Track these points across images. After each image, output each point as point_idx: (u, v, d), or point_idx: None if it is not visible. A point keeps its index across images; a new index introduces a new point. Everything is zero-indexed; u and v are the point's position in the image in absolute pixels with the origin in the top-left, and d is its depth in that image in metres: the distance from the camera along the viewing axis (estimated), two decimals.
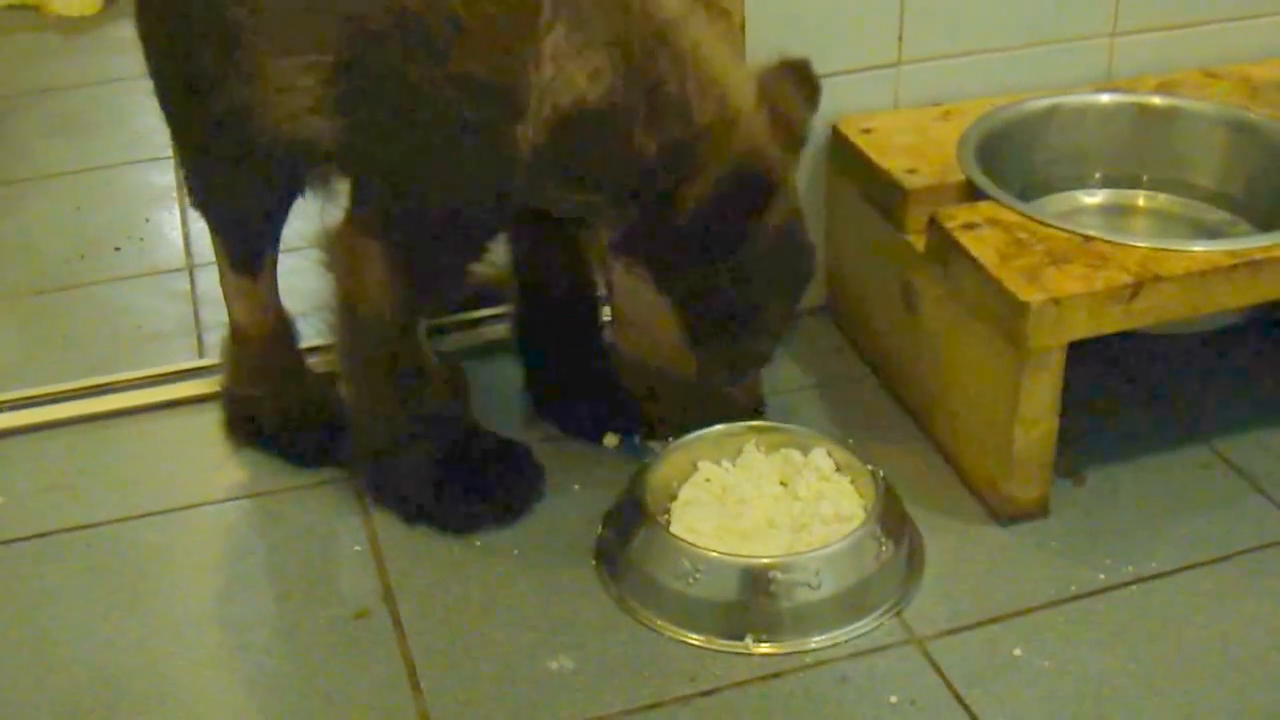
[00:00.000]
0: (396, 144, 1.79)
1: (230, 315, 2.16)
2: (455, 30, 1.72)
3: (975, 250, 1.96)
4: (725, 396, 2.05)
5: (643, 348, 1.99)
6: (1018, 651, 1.81)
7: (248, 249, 2.08)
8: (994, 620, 1.86)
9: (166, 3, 1.89)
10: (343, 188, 1.97)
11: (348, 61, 1.77)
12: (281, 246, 2.12)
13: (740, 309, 1.89)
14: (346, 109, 1.80)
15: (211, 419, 2.23)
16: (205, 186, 2.05)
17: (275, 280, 2.13)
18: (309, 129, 1.84)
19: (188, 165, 2.06)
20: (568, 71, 1.73)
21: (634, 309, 1.95)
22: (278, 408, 2.15)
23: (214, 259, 2.15)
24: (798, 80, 1.93)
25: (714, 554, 1.84)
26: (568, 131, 1.75)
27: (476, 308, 2.43)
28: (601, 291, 2.21)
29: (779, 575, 1.82)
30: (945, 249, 2.01)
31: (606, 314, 2.29)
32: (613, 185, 1.81)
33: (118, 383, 2.33)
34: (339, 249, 1.92)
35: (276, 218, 2.07)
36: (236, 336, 2.16)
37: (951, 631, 1.85)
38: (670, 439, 2.04)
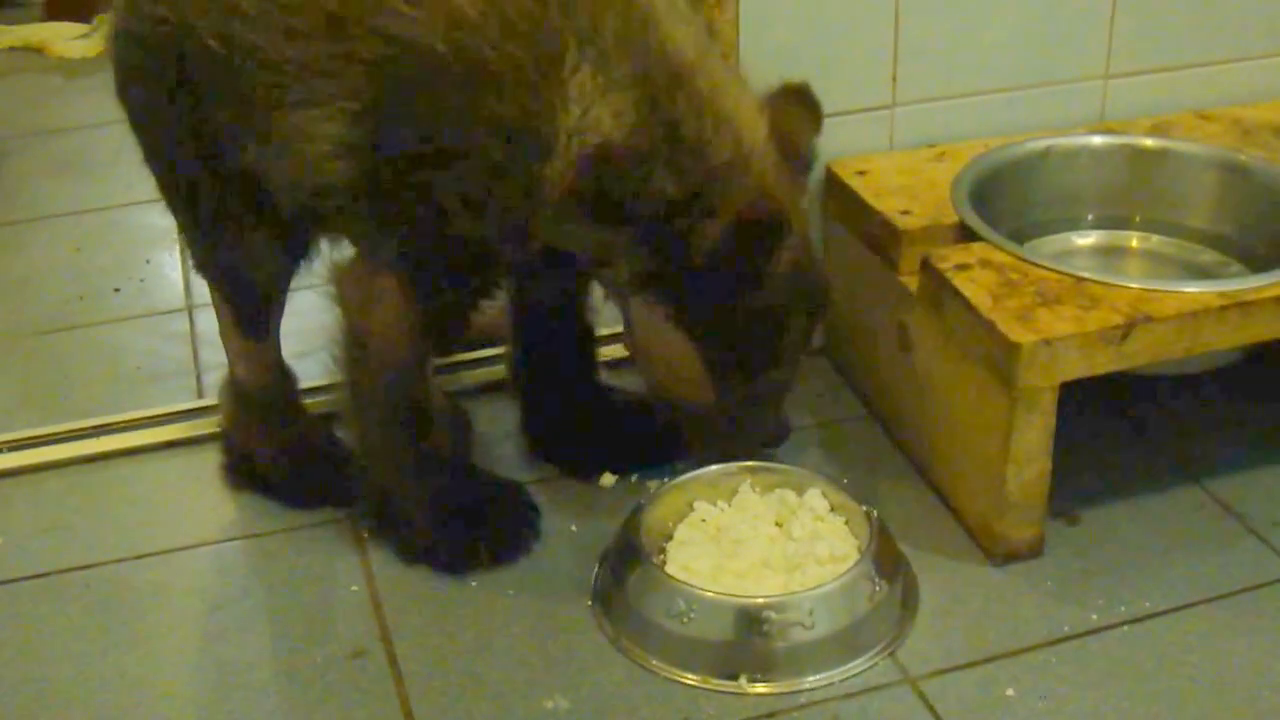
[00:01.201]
0: (422, 186, 1.80)
1: (231, 369, 2.16)
2: (483, 74, 1.73)
3: (967, 291, 1.97)
4: (748, 425, 2.05)
5: (664, 380, 1.99)
6: (1011, 692, 1.81)
7: (254, 314, 2.08)
8: (987, 660, 1.86)
9: (162, 70, 1.86)
10: (356, 235, 1.98)
11: (374, 107, 1.77)
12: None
13: (757, 342, 1.90)
14: (370, 154, 1.80)
15: (210, 459, 2.24)
16: (212, 253, 2.04)
17: (278, 337, 2.13)
18: (328, 175, 1.84)
19: (192, 233, 2.04)
20: (593, 113, 1.74)
21: (652, 344, 1.96)
22: (276, 452, 2.16)
23: (213, 306, 2.15)
24: (799, 104, 1.95)
25: (709, 594, 1.85)
26: (593, 172, 1.76)
27: (475, 348, 2.44)
28: (598, 331, 2.23)
29: (773, 615, 1.82)
30: (938, 290, 2.02)
31: (608, 352, 2.32)
32: (632, 226, 1.81)
33: (116, 423, 2.34)
34: (352, 285, 1.92)
35: (284, 282, 2.07)
36: (236, 389, 2.16)
37: (945, 671, 1.85)
38: (666, 479, 2.05)
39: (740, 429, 2.02)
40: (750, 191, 1.80)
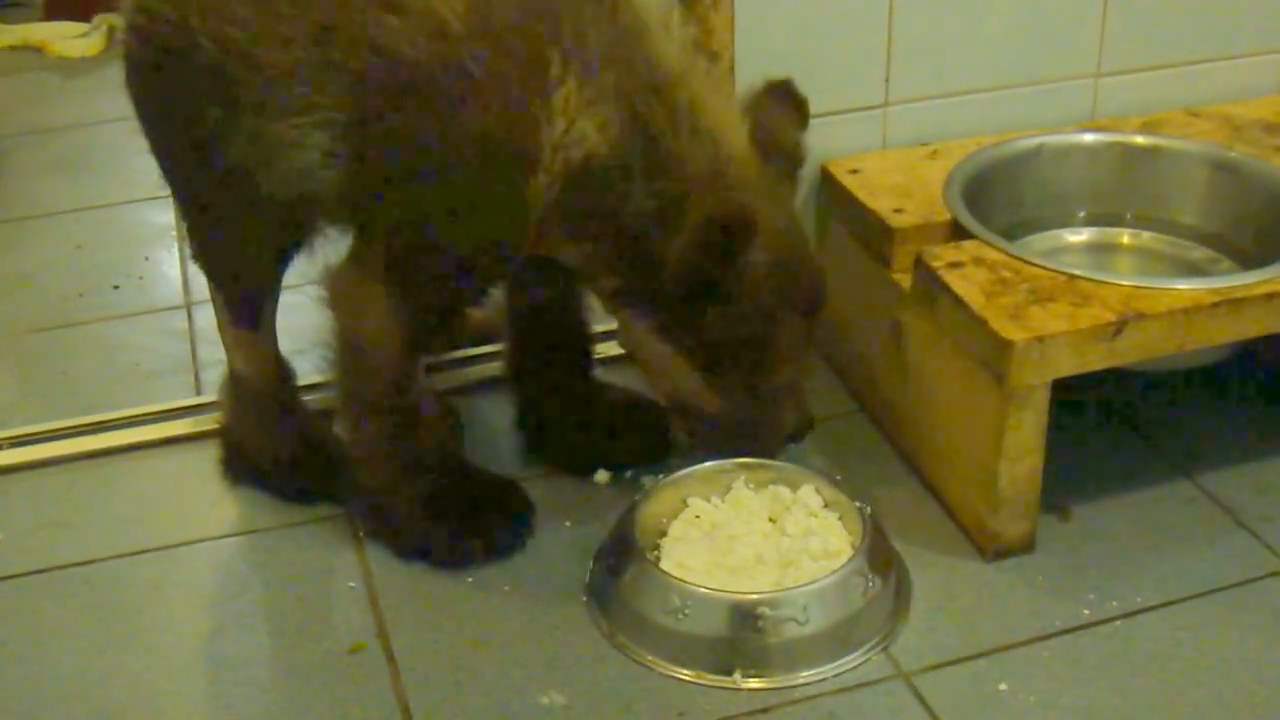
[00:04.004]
0: (409, 197, 1.81)
1: (229, 363, 2.17)
2: (469, 86, 1.74)
3: (960, 289, 1.98)
4: (762, 426, 2.04)
5: (668, 388, 2.00)
6: (1004, 686, 1.83)
7: (248, 303, 2.09)
8: (980, 655, 1.87)
9: (163, 66, 1.89)
10: (345, 234, 2.00)
11: (361, 118, 1.79)
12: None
13: (745, 348, 1.90)
14: (358, 164, 1.82)
15: (208, 456, 2.25)
16: (206, 243, 2.06)
17: (274, 330, 2.14)
18: (316, 183, 1.86)
19: (189, 223, 2.07)
20: (579, 126, 1.75)
21: (648, 354, 1.97)
22: (275, 447, 2.17)
23: (211, 302, 2.16)
24: (784, 100, 1.95)
25: (703, 590, 1.86)
26: (577, 186, 1.78)
27: (470, 346, 2.45)
28: (593, 329, 2.24)
29: (767, 611, 1.83)
30: (931, 288, 2.03)
31: (603, 349, 2.33)
32: (612, 239, 1.83)
33: (115, 420, 2.35)
34: (342, 288, 1.93)
35: (277, 273, 2.09)
36: (235, 382, 2.17)
37: (938, 666, 1.86)
38: (660, 475, 2.06)
39: (755, 430, 2.03)
40: (712, 202, 1.79)
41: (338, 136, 1.80)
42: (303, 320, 2.08)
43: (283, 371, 2.18)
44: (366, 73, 1.77)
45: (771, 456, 2.06)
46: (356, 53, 1.76)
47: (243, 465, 2.20)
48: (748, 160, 1.85)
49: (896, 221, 2.15)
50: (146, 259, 2.94)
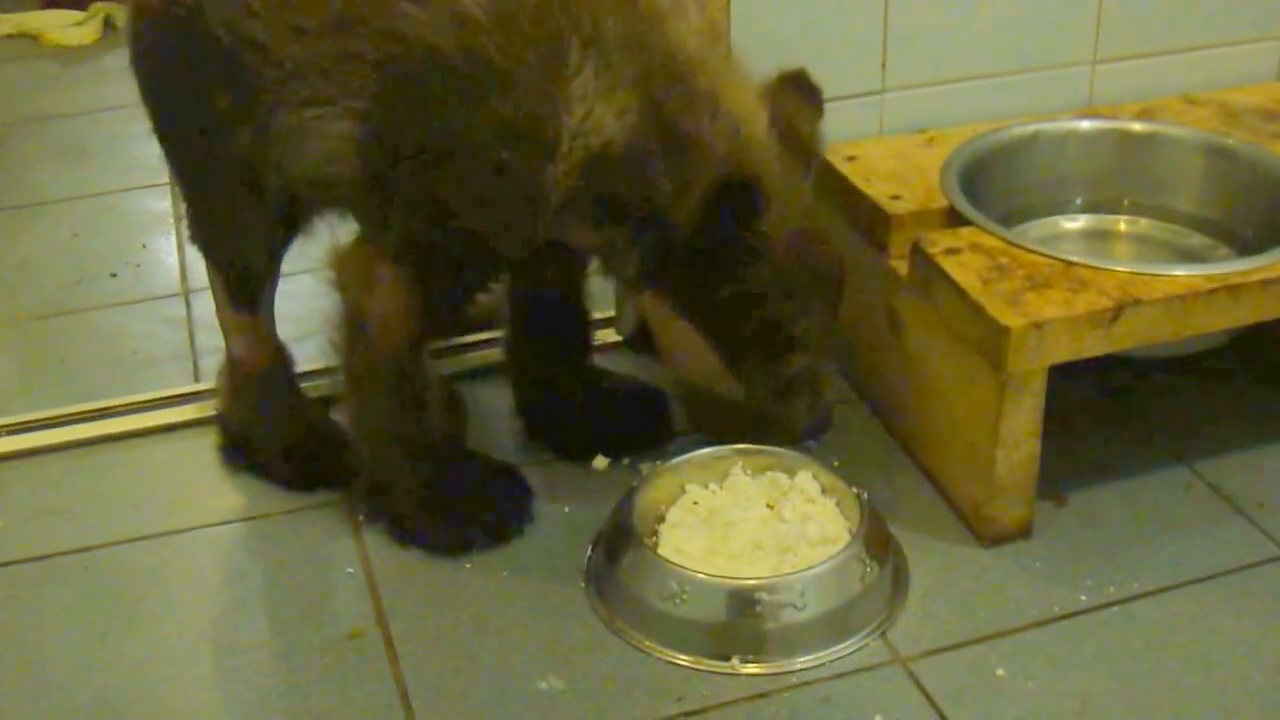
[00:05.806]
0: (427, 183, 1.81)
1: (228, 348, 2.17)
2: (488, 74, 1.74)
3: (957, 275, 1.98)
4: (779, 416, 2.04)
5: (688, 372, 2.00)
6: (1001, 672, 1.83)
7: (249, 286, 2.09)
8: (977, 641, 1.88)
9: (172, 50, 1.89)
10: (351, 218, 2.00)
11: (380, 107, 1.79)
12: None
13: (764, 328, 1.90)
14: (377, 150, 1.82)
15: (207, 443, 2.25)
16: (208, 225, 2.06)
17: (273, 314, 2.14)
18: (330, 169, 1.86)
19: (189, 204, 2.07)
20: (597, 113, 1.76)
21: (670, 337, 1.97)
22: (273, 434, 2.17)
23: (209, 288, 2.16)
24: (799, 90, 1.96)
25: (701, 575, 1.86)
26: (596, 172, 1.78)
27: (473, 331, 2.45)
28: (594, 315, 2.24)
29: (765, 596, 1.84)
30: (928, 274, 2.03)
31: (601, 336, 2.33)
32: (632, 223, 1.83)
33: (114, 407, 2.35)
34: (352, 268, 1.93)
35: (276, 255, 2.09)
36: (234, 368, 2.18)
37: (935, 652, 1.87)
38: (658, 462, 2.07)
39: (776, 419, 2.02)
40: (723, 166, 1.79)
41: (357, 125, 1.81)
42: (302, 307, 2.08)
43: (281, 356, 2.18)
44: (387, 62, 1.77)
45: (790, 447, 2.06)
46: (377, 43, 1.77)
47: (241, 451, 2.20)
48: (766, 146, 1.85)
49: (893, 208, 2.16)
50: (144, 246, 2.94)
